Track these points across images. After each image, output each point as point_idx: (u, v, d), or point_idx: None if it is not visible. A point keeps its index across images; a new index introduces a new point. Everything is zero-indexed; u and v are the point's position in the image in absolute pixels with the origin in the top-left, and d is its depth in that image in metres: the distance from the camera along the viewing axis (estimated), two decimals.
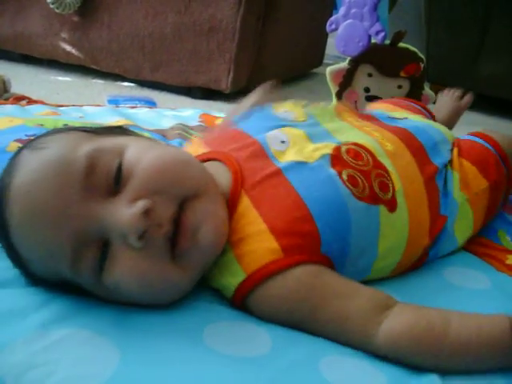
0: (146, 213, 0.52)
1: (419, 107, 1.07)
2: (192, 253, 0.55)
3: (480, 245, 0.83)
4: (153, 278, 0.53)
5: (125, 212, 0.52)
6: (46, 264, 0.54)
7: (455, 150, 0.83)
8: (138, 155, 0.56)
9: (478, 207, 0.81)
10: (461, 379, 0.52)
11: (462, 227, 0.78)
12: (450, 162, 0.81)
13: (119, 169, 0.54)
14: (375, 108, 1.05)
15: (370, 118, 0.84)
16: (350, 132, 0.73)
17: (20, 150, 0.58)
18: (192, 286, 0.58)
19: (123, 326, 0.53)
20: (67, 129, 0.62)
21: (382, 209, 0.64)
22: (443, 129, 0.88)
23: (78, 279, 0.54)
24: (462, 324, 0.55)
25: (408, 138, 0.77)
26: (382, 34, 1.27)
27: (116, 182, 0.54)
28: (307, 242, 0.59)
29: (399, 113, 0.94)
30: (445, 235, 0.75)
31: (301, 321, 0.57)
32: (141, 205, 0.52)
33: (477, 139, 0.87)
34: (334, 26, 1.35)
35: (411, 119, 0.89)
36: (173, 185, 0.55)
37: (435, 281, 0.70)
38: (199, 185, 0.58)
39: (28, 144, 0.59)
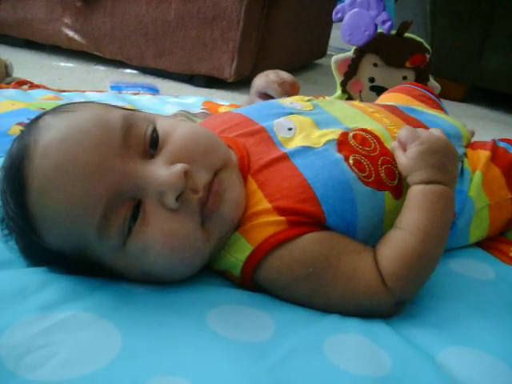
0: (185, 175, 0.53)
1: (432, 96, 1.04)
2: (215, 217, 0.56)
3: None
4: (182, 241, 0.54)
5: (164, 171, 0.53)
6: (69, 225, 0.53)
7: (488, 153, 0.82)
8: (170, 125, 0.58)
9: (497, 218, 0.80)
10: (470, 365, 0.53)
11: (476, 232, 0.79)
12: (462, 160, 0.81)
13: (155, 133, 0.56)
14: (389, 97, 1.04)
15: (386, 106, 0.83)
16: (359, 118, 0.72)
17: (38, 117, 0.58)
18: (208, 258, 0.59)
19: (125, 308, 0.52)
20: (86, 101, 0.63)
21: (388, 195, 0.64)
22: (458, 124, 0.87)
23: (101, 242, 0.53)
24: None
25: (419, 127, 0.76)
26: (389, 23, 1.26)
27: (152, 145, 0.55)
28: (312, 220, 0.59)
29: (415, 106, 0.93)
30: (454, 231, 0.75)
31: (313, 285, 0.57)
32: (180, 166, 0.53)
33: None
34: (340, 15, 1.34)
35: (426, 112, 0.88)
36: (207, 154, 0.58)
37: (440, 269, 0.70)
38: (226, 157, 0.60)
39: (48, 112, 0.58)
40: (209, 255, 0.59)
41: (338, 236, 0.60)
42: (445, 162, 0.63)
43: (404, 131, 0.65)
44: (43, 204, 0.52)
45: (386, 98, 1.05)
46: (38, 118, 0.57)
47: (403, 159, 0.63)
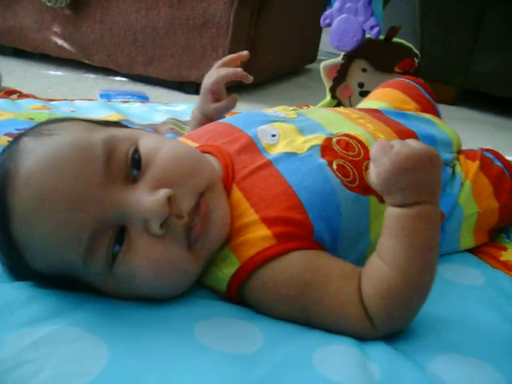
0: (169, 201, 0.52)
1: (428, 96, 1.03)
2: (203, 240, 0.56)
3: None
4: (169, 266, 0.54)
5: (148, 198, 0.52)
6: (54, 253, 0.52)
7: (477, 163, 0.83)
8: (153, 145, 0.57)
9: (483, 225, 0.81)
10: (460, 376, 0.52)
11: (466, 239, 0.80)
12: (455, 165, 0.82)
13: (137, 154, 0.55)
14: (386, 93, 1.02)
15: (370, 111, 0.83)
16: (343, 123, 0.73)
17: (17, 138, 0.56)
18: (197, 277, 0.58)
19: (112, 322, 0.52)
20: (68, 118, 0.61)
21: (373, 199, 0.64)
22: (448, 130, 0.88)
23: (88, 269, 0.53)
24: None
25: (403, 131, 0.77)
26: (377, 28, 1.27)
27: (135, 166, 0.54)
28: (299, 229, 0.59)
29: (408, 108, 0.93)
30: (444, 235, 0.75)
31: (296, 307, 0.57)
32: (164, 192, 0.52)
33: (498, 162, 0.87)
34: (328, 21, 1.34)
35: (416, 116, 0.88)
36: (192, 176, 0.56)
37: None
38: (211, 177, 0.59)
39: (27, 132, 0.57)
40: (198, 274, 0.58)
41: (324, 256, 0.59)
42: (419, 178, 0.54)
43: (374, 147, 0.56)
44: (27, 234, 0.52)
45: (381, 93, 1.03)
46: (18, 139, 0.56)
47: (373, 178, 0.55)
